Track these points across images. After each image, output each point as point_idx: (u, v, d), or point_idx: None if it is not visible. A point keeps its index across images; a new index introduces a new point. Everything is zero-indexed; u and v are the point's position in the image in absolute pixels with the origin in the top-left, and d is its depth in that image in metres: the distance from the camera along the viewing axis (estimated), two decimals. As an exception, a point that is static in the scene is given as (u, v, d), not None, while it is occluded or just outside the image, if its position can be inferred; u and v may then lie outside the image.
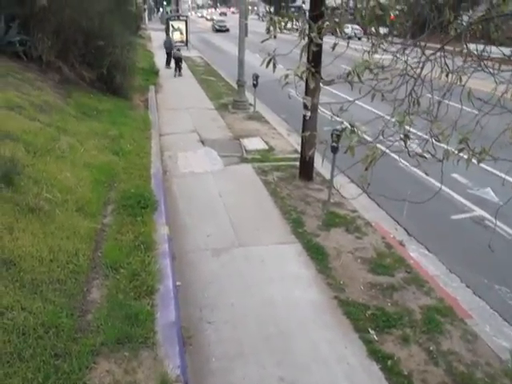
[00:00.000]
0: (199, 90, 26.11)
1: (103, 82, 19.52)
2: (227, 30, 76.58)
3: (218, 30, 77.57)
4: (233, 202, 12.06)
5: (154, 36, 53.04)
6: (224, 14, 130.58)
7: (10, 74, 14.99)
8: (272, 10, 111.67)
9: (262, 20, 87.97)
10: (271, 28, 4.73)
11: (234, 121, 19.92)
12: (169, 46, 36.75)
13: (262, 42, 4.98)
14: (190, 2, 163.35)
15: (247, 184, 13.24)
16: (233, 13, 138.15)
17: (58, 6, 16.92)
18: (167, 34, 41.88)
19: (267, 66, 4.73)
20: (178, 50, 33.24)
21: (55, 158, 10.68)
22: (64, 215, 8.69)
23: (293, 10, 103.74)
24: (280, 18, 4.83)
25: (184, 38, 44.84)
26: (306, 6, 73.81)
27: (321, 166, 13.72)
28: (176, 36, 43.30)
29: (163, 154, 15.16)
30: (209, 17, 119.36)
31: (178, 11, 72.38)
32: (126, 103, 19.80)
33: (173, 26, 44.45)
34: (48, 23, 16.81)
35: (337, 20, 4.91)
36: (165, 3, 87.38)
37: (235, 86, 23.36)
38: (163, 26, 52.39)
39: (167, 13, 76.80)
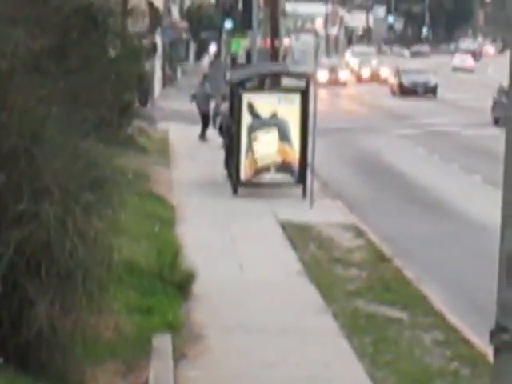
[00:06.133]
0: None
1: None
2: (432, 91, 44.35)
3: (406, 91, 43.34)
4: None
5: (182, 138, 21.27)
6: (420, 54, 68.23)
7: None
8: None
9: None
10: None
11: None
12: (203, 101, 21.24)
13: None
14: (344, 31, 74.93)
15: None
16: None
17: None
18: (204, 81, 24.28)
19: None
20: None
21: None
22: None
23: None
24: None
25: (294, 157, 16.39)
26: None
27: None
28: (266, 150, 16.13)
29: None
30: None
31: (275, 58, 27.63)
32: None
33: (253, 112, 16.15)
34: None
35: None
36: (227, 25, 36.59)
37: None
38: (214, 101, 23.53)
39: (234, 59, 34.69)
